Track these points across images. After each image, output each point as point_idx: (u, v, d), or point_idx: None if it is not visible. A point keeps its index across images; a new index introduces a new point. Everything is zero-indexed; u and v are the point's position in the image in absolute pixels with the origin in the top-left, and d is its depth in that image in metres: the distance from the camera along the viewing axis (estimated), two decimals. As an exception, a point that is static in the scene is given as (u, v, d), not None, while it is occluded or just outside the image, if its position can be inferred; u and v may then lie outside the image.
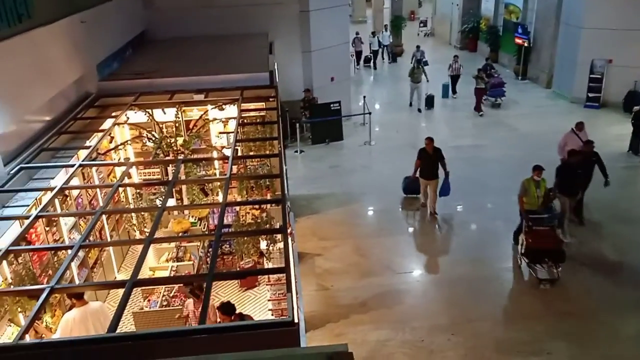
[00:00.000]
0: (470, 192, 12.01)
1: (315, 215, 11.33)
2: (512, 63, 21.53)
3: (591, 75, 16.77)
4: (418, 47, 21.60)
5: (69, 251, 5.06)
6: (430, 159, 10.62)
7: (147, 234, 5.20)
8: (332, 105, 15.01)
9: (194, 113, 8.83)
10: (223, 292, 7.86)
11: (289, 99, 14.63)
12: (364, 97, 17.53)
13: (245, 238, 5.95)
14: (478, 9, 25.23)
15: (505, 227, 10.54)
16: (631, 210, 10.93)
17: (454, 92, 19.10)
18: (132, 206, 8.01)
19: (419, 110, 17.73)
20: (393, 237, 10.52)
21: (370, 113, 15.55)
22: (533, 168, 9.13)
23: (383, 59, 25.72)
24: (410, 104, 18.14)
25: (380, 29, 30.49)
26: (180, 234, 7.59)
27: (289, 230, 5.51)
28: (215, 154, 8.09)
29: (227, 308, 5.65)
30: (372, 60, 24.67)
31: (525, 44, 20.08)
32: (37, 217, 5.37)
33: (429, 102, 17.90)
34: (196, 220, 8.21)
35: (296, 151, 14.58)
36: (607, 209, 10.93)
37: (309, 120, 15.05)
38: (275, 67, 11.62)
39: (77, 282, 6.54)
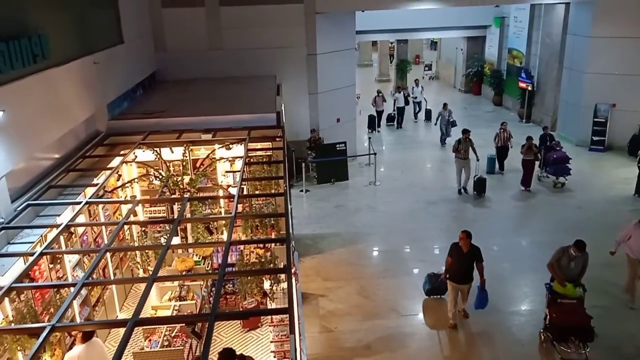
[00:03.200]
0: (477, 235, 11.95)
1: (319, 255, 11.26)
2: (516, 106, 21.77)
3: (595, 119, 16.89)
4: (445, 105, 18.51)
5: (72, 289, 5.04)
6: (464, 259, 8.51)
7: (151, 272, 5.19)
8: (337, 145, 15.16)
9: (201, 152, 8.94)
10: (225, 332, 7.75)
11: (296, 139, 14.79)
12: (369, 137, 17.71)
13: (249, 277, 5.92)
14: (482, 53, 25.71)
15: (511, 269, 10.44)
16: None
17: (502, 167, 15.56)
18: (136, 244, 8.01)
19: (459, 192, 14.13)
20: (398, 278, 10.40)
21: (375, 154, 15.66)
22: (575, 242, 8.11)
23: (416, 118, 22.35)
24: (460, 191, 14.18)
25: (386, 72, 31.15)
26: (183, 273, 7.55)
27: (293, 270, 5.49)
28: (221, 193, 8.14)
29: (227, 356, 5.40)
30: (396, 119, 21.33)
31: (529, 88, 20.35)
32: (41, 254, 5.39)
33: (480, 186, 14.00)
34: (200, 259, 8.18)
35: (302, 190, 14.63)
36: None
37: (314, 160, 15.17)
38: (283, 108, 11.83)
39: (78, 320, 6.48)
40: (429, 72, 32.11)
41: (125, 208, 8.23)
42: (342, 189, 15.00)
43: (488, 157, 15.36)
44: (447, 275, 8.73)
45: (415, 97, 22.10)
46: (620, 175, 14.82)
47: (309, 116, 15.55)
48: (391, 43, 31.53)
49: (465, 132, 14.11)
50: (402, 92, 21.81)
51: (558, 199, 13.72)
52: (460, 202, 13.70)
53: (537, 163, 14.35)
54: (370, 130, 20.27)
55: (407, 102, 21.63)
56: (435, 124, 19.06)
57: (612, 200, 13.42)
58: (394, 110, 21.41)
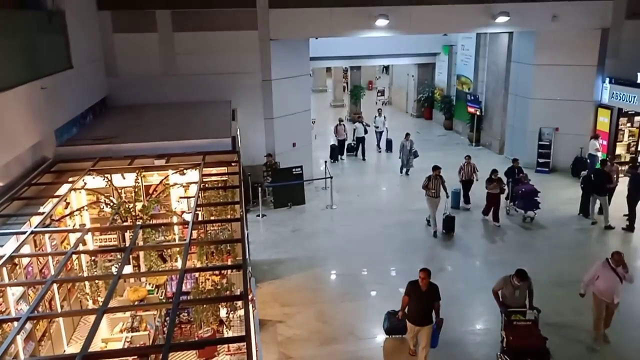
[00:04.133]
0: (431, 255, 12.18)
1: (277, 280, 11.14)
2: (466, 130, 22.50)
3: (540, 142, 17.69)
4: (407, 135, 18.02)
5: (15, 323, 4.78)
6: (423, 298, 8.00)
7: (101, 304, 4.99)
8: (294, 169, 15.19)
9: (155, 178, 8.75)
10: (180, 364, 7.50)
11: (252, 164, 14.75)
12: (325, 162, 17.80)
13: (205, 306, 5.78)
14: (432, 79, 26.56)
15: (466, 289, 10.63)
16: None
17: (467, 201, 14.99)
18: (85, 274, 7.70)
19: (434, 235, 13.21)
20: (356, 301, 10.40)
21: (331, 177, 15.76)
22: (516, 271, 8.22)
23: (379, 148, 21.66)
24: (435, 234, 13.15)
25: (340, 98, 31.62)
26: (135, 303, 7.29)
27: (249, 297, 5.40)
28: (175, 219, 7.96)
29: None
30: (356, 150, 20.63)
31: (478, 113, 21.11)
32: (-18, 288, 5.10)
33: (449, 224, 13.28)
34: (153, 288, 7.92)
35: (258, 215, 14.51)
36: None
37: (271, 185, 15.12)
38: (238, 133, 11.79)
39: (22, 357, 6.12)
40: (382, 97, 32.82)
41: (73, 237, 7.91)
42: (299, 213, 14.99)
43: (452, 191, 14.41)
44: (404, 315, 8.28)
45: (378, 127, 21.55)
46: (565, 195, 15.48)
47: (265, 141, 15.55)
48: (345, 71, 32.00)
49: (436, 168, 13.27)
50: (361, 122, 21.03)
51: (514, 222, 14.15)
52: (415, 224, 13.88)
53: (502, 196, 13.94)
54: (332, 160, 19.64)
55: (366, 132, 20.73)
56: (400, 157, 18.23)
57: (559, 220, 13.97)
58: (353, 139, 20.73)
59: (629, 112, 16.56)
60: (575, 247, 12.50)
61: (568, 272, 10.97)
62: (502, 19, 15.66)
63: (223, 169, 8.93)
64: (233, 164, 8.89)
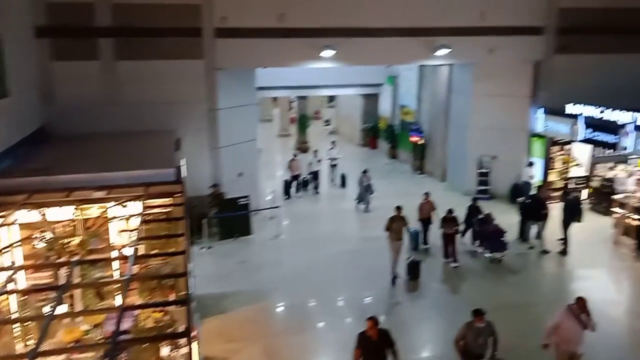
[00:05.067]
0: (382, 283, 12.28)
1: (222, 315, 10.86)
2: (410, 159, 23.09)
3: (479, 170, 18.40)
4: (365, 171, 17.58)
5: None
6: (374, 348, 7.48)
7: (31, 348, 4.70)
8: (240, 200, 15.02)
9: (94, 211, 8.42)
10: (119, 407, 7.11)
11: (198, 194, 14.45)
12: (273, 190, 17.72)
13: (144, 345, 5.54)
14: (377, 109, 27.21)
15: (412, 316, 10.73)
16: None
17: (425, 241, 14.20)
18: (16, 315, 7.24)
19: (393, 282, 12.19)
20: (303, 334, 10.26)
21: (278, 206, 15.68)
22: (472, 313, 7.85)
23: (334, 182, 20.76)
24: (394, 279, 12.23)
25: (286, 127, 31.79)
26: (70, 345, 6.90)
27: (193, 334, 5.24)
28: (114, 254, 7.67)
29: None
30: (310, 185, 19.81)
31: (420, 142, 21.73)
32: None
33: (413, 270, 12.33)
34: (90, 328, 7.53)
35: (203, 247, 14.19)
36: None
37: (216, 216, 14.87)
38: (183, 163, 11.58)
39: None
40: (329, 127, 33.29)
41: (2, 276, 7.45)
42: (246, 244, 14.79)
43: (411, 232, 13.36)
44: None
45: (332, 160, 20.91)
46: (504, 221, 15.94)
47: (210, 171, 15.35)
48: (291, 102, 32.14)
49: (399, 208, 12.38)
50: (316, 156, 20.15)
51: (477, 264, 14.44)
52: (364, 253, 13.94)
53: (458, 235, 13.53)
54: (286, 197, 18.86)
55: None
56: (358, 190, 17.68)
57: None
58: (308, 174, 19.82)
59: (560, 141, 17.52)
60: (515, 272, 12.92)
61: (508, 296, 11.34)
62: (442, 52, 16.34)
63: (167, 200, 8.71)
64: (177, 195, 8.70)
